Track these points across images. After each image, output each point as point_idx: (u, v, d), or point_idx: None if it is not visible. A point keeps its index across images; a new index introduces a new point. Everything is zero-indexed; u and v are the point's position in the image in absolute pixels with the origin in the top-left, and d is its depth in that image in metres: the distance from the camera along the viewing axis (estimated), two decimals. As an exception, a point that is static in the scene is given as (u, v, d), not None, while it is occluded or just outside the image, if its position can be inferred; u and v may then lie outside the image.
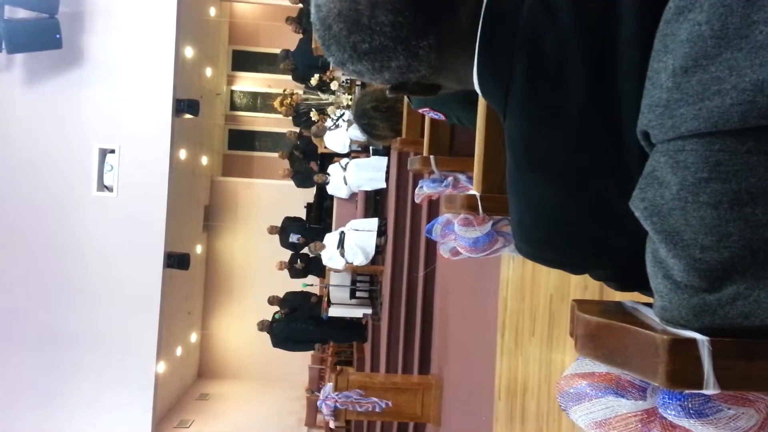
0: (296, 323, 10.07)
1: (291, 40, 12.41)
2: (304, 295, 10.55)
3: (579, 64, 0.72)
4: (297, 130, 12.18)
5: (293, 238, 10.65)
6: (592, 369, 0.81)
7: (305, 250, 10.31)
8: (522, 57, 0.75)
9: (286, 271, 10.86)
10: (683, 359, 0.66)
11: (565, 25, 0.73)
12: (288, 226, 11.24)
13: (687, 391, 0.71)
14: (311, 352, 11.60)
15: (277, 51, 12.61)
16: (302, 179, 11.97)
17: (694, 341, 0.66)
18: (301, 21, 11.95)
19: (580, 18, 0.72)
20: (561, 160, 0.76)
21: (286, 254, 11.20)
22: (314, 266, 10.50)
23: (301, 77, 11.10)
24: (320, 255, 9.33)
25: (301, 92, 10.44)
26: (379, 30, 0.77)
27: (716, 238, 0.62)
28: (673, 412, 0.72)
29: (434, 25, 0.79)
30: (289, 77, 12.46)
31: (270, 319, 10.16)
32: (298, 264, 10.65)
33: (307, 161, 11.87)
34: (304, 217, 12.71)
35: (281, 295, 10.52)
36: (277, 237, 11.51)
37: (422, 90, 0.87)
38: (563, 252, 0.83)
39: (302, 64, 11.21)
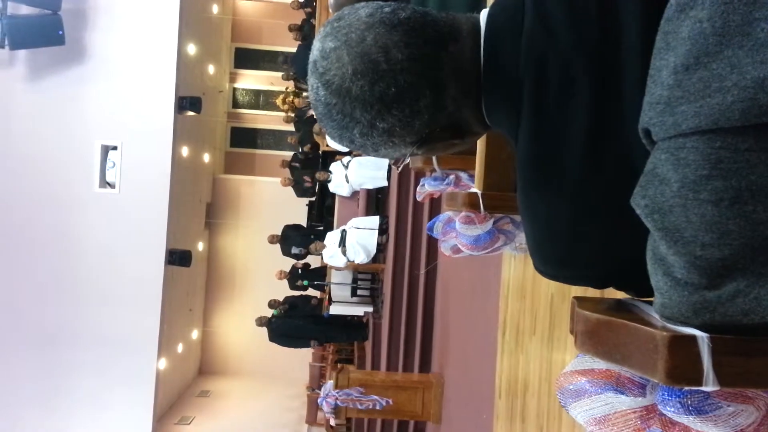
0: (294, 319, 10.07)
1: (293, 38, 12.41)
2: (304, 298, 10.56)
3: (583, 82, 0.73)
4: (299, 133, 12.17)
5: (295, 250, 10.61)
6: (591, 365, 0.81)
7: (308, 259, 10.33)
8: (529, 82, 0.77)
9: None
10: (683, 356, 0.66)
11: (566, 43, 0.74)
12: (288, 235, 11.16)
13: (686, 388, 0.71)
14: (308, 349, 11.54)
15: (280, 49, 12.62)
16: (303, 189, 11.95)
17: (693, 338, 0.66)
18: (302, 29, 11.99)
19: (580, 34, 0.73)
20: (571, 176, 0.77)
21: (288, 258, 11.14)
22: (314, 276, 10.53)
23: (303, 78, 11.11)
24: (320, 255, 9.33)
25: (303, 91, 10.44)
26: (400, 68, 0.78)
27: (716, 236, 0.62)
28: (672, 409, 0.72)
29: (443, 52, 0.80)
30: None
31: (269, 315, 10.17)
32: (300, 274, 10.64)
33: (306, 171, 11.76)
34: (305, 215, 12.68)
35: (281, 299, 10.53)
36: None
37: (450, 135, 0.86)
38: (581, 265, 0.82)
39: (300, 70, 11.22)
